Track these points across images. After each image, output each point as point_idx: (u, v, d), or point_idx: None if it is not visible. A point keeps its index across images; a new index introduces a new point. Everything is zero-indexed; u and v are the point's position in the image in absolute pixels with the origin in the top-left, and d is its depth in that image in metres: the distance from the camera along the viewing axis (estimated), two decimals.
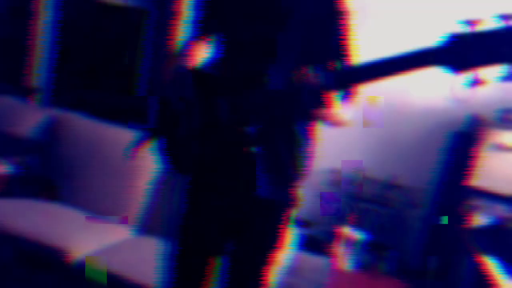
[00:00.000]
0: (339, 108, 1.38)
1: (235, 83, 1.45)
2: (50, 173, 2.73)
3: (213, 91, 1.47)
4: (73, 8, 3.19)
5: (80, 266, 2.18)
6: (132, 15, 3.06)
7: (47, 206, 2.55)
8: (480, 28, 1.03)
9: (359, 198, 2.69)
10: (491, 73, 1.04)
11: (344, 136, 2.69)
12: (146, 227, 2.59)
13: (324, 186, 2.76)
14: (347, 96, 1.41)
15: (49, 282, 2.22)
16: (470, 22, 1.03)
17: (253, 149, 1.43)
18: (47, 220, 2.40)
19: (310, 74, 1.28)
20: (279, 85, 1.34)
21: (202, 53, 1.56)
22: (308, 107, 1.35)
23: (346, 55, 1.45)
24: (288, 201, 1.54)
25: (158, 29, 2.80)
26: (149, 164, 2.62)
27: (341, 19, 1.46)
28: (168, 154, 1.54)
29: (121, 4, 3.03)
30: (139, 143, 1.57)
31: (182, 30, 2.70)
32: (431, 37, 1.14)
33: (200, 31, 1.59)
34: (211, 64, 1.55)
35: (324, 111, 1.37)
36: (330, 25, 1.44)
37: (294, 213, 1.57)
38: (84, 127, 2.83)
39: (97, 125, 2.83)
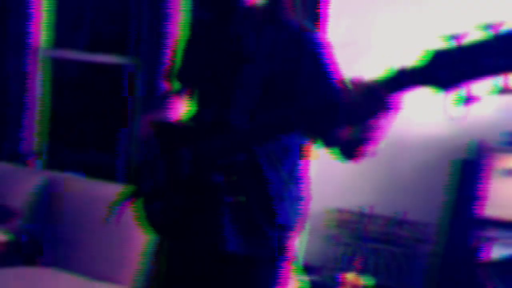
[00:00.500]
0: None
1: (198, 132, 1.38)
2: (45, 238, 2.64)
3: (176, 142, 1.40)
4: (63, 68, 3.19)
5: None
6: (121, 73, 3.06)
7: (42, 272, 2.45)
8: (466, 41, 0.95)
9: (367, 238, 2.57)
10: (484, 88, 0.96)
11: (349, 174, 2.60)
12: None
13: (330, 228, 2.64)
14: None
15: None
16: (456, 37, 0.96)
17: (222, 199, 1.33)
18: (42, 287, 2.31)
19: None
20: (243, 128, 1.27)
21: (181, 107, 1.52)
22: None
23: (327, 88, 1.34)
24: (265, 254, 1.42)
25: (144, 85, 2.79)
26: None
27: (310, 51, 1.35)
28: (142, 213, 1.47)
29: (109, 61, 3.03)
30: (122, 204, 1.50)
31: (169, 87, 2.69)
32: (415, 55, 1.06)
33: (180, 86, 1.56)
34: (187, 117, 1.50)
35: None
36: (296, 61, 1.35)
37: (289, 266, 1.45)
38: (80, 187, 2.77)
39: (93, 184, 2.77)
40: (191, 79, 1.51)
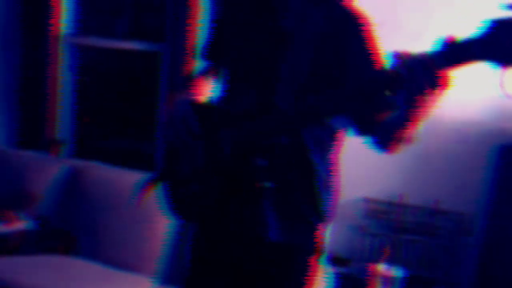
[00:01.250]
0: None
1: (238, 114, 1.30)
2: (68, 226, 2.63)
3: (215, 124, 1.33)
4: (89, 55, 3.17)
5: None
6: (147, 59, 3.02)
7: (65, 261, 2.46)
8: None
9: (399, 229, 2.44)
10: None
11: (376, 161, 2.48)
12: (168, 278, 2.44)
13: (359, 218, 2.53)
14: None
15: None
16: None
17: (264, 185, 1.25)
18: (66, 276, 2.30)
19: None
20: (288, 110, 1.19)
21: (209, 88, 1.44)
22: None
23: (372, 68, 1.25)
24: (307, 244, 1.35)
25: (171, 71, 2.74)
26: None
27: (357, 31, 1.28)
28: (173, 198, 1.39)
29: (135, 48, 2.99)
30: (143, 187, 1.44)
31: (195, 68, 2.62)
32: (469, 26, 0.95)
33: (206, 66, 1.48)
34: (217, 98, 1.41)
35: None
36: (344, 41, 1.27)
37: (320, 257, 1.37)
38: (104, 176, 2.75)
39: (118, 173, 2.74)
40: (224, 58, 1.43)
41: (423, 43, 1.04)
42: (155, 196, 1.47)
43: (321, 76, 1.26)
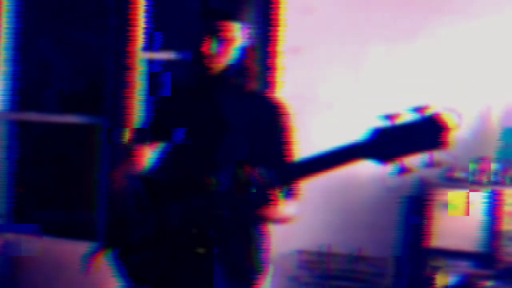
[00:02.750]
0: (284, 204, 1.46)
1: (184, 187, 1.51)
2: None
3: (163, 196, 1.52)
4: (27, 129, 3.22)
5: None
6: (87, 132, 3.12)
7: None
8: (398, 121, 1.14)
9: (329, 276, 2.70)
10: (415, 160, 1.14)
11: (305, 215, 2.73)
12: None
13: (294, 269, 2.76)
14: (290, 192, 1.49)
15: None
16: (389, 117, 1.15)
17: (209, 251, 1.47)
18: None
19: (255, 173, 1.36)
20: (226, 186, 1.41)
21: (147, 158, 1.65)
22: (256, 204, 1.41)
23: (287, 155, 1.55)
24: None
25: (111, 143, 2.86)
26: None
27: (281, 123, 1.59)
28: (123, 264, 1.56)
29: (74, 122, 3.08)
30: (92, 255, 1.59)
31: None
32: (356, 132, 1.25)
33: (146, 138, 1.69)
34: (157, 169, 1.63)
35: (270, 208, 1.44)
36: (271, 130, 1.57)
37: None
38: (45, 247, 2.78)
39: (58, 244, 2.79)
40: (165, 135, 1.64)
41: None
42: (104, 264, 1.61)
43: (255, 155, 1.51)
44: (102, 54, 2.89)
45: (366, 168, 2.61)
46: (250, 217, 1.55)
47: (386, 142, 1.15)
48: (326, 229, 2.76)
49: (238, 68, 1.59)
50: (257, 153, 1.53)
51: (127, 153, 1.71)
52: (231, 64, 1.57)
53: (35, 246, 2.80)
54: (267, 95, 1.67)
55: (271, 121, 1.57)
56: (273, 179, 1.34)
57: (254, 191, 1.34)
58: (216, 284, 1.49)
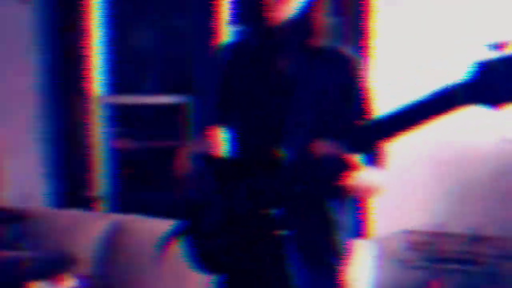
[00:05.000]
0: (365, 174, 1.23)
1: (250, 165, 1.36)
2: (114, 283, 2.68)
3: (229, 177, 1.38)
4: (122, 111, 3.30)
5: None
6: (178, 112, 3.12)
7: None
8: (510, 50, 0.85)
9: (442, 259, 2.40)
10: None
11: (413, 191, 2.47)
12: None
13: (401, 251, 2.50)
14: (372, 158, 1.26)
15: None
16: (498, 45, 0.86)
17: (283, 233, 1.29)
18: None
19: (328, 141, 1.15)
20: (296, 159, 1.24)
21: (219, 140, 1.50)
22: (332, 177, 1.21)
23: (365, 117, 1.33)
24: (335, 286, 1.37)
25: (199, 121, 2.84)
26: None
27: (356, 82, 1.37)
28: (198, 251, 1.44)
29: (167, 102, 3.10)
30: (167, 241, 1.49)
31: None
32: (455, 70, 0.97)
33: (213, 119, 1.55)
34: (227, 150, 1.48)
35: (349, 180, 1.22)
36: (345, 91, 1.36)
37: None
38: (147, 228, 2.80)
39: (160, 224, 2.79)
40: (232, 111, 1.50)
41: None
42: (180, 250, 1.51)
43: (327, 121, 1.32)
44: (191, 37, 2.92)
45: (487, 135, 2.34)
46: (326, 192, 1.34)
47: (496, 79, 0.88)
48: (438, 207, 2.46)
49: (303, 20, 1.35)
50: (330, 118, 1.33)
51: (202, 134, 1.59)
52: (294, 16, 1.34)
53: (138, 226, 2.83)
54: (338, 50, 1.40)
55: (344, 81, 1.35)
56: (349, 146, 1.15)
57: (328, 161, 1.13)
58: (293, 269, 1.31)
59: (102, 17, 3.18)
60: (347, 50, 1.38)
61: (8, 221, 2.32)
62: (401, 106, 1.06)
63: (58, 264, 2.55)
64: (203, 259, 1.45)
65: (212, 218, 1.41)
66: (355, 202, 1.44)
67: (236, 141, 1.46)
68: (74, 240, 2.82)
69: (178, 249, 1.50)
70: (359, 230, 2.11)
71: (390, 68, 2.45)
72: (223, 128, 1.53)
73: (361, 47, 2.41)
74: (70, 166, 3.18)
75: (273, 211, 1.28)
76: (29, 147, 3.14)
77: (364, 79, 1.36)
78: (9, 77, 3.15)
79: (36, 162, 3.16)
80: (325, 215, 1.37)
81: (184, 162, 1.48)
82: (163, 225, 2.71)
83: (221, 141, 1.51)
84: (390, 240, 2.50)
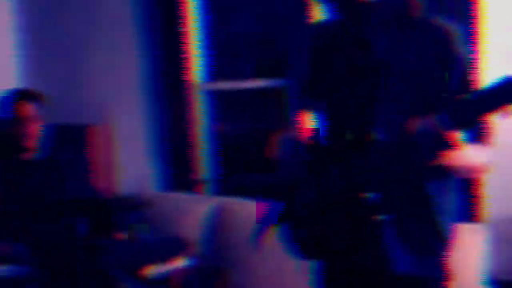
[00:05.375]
0: (467, 151, 1.16)
1: (344, 148, 1.32)
2: (221, 262, 2.79)
3: (324, 160, 1.36)
4: (220, 96, 3.38)
5: None
6: (274, 96, 3.13)
7: None
8: None
9: None
10: None
11: None
12: None
13: None
14: (474, 135, 1.19)
15: None
16: None
17: (380, 217, 1.26)
18: None
19: (426, 119, 1.10)
20: (391, 141, 1.19)
21: (311, 124, 1.49)
22: (431, 156, 1.16)
23: (464, 92, 1.24)
24: (435, 273, 1.32)
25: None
26: None
27: (456, 57, 1.29)
28: (294, 237, 1.44)
29: (263, 86, 3.13)
30: (264, 227, 1.51)
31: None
32: None
33: (303, 103, 1.53)
34: (318, 133, 1.46)
35: (449, 158, 1.16)
36: (442, 66, 1.29)
37: (449, 284, 1.34)
38: (250, 211, 2.87)
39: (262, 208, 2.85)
40: (323, 93, 1.48)
41: None
42: (277, 235, 1.52)
43: (423, 98, 1.25)
44: (286, 23, 2.93)
45: None
46: (425, 173, 1.27)
47: None
48: None
49: None
50: (427, 93, 1.26)
51: (295, 118, 1.59)
52: None
53: (239, 209, 2.91)
54: (434, 22, 1.33)
55: (441, 53, 1.28)
56: (449, 122, 1.10)
57: (426, 140, 1.08)
58: (392, 254, 1.28)
59: (199, 4, 3.24)
60: (443, 21, 1.30)
61: (124, 208, 2.48)
62: (506, 77, 0.99)
63: (170, 246, 2.69)
64: (299, 244, 1.45)
65: (306, 203, 1.40)
66: (460, 183, 1.37)
67: (328, 124, 1.44)
68: (182, 223, 2.97)
69: (275, 234, 1.51)
70: (469, 214, 2.00)
71: (499, 40, 2.28)
72: (315, 111, 1.52)
73: (468, 20, 2.26)
74: (175, 151, 3.32)
75: (369, 195, 1.26)
76: (137, 135, 3.32)
77: (463, 51, 1.29)
78: (116, 69, 3.33)
79: (145, 149, 3.33)
80: (424, 198, 1.31)
81: (277, 146, 1.48)
82: (263, 208, 2.80)
83: (313, 124, 1.50)
84: (506, 224, 2.36)
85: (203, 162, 3.33)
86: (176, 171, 3.34)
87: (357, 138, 1.30)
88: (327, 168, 1.35)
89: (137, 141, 3.32)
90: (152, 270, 2.51)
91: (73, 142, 3.10)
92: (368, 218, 1.29)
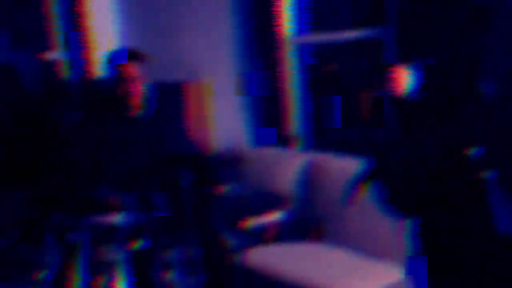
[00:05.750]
0: None
1: (442, 107, 1.27)
2: (315, 215, 2.82)
3: (423, 116, 1.31)
4: (313, 50, 3.33)
5: None
6: (371, 46, 3.03)
7: (318, 249, 2.64)
8: None
9: None
10: None
11: None
12: (415, 268, 2.44)
13: None
14: None
15: None
16: None
17: (484, 175, 1.20)
18: (320, 263, 2.49)
19: None
20: (499, 93, 1.12)
21: (405, 80, 1.43)
22: None
23: None
24: None
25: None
26: None
27: None
28: (390, 195, 1.42)
29: (359, 36, 3.03)
30: (354, 186, 1.49)
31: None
32: None
33: (400, 58, 1.47)
34: (414, 91, 1.39)
35: None
36: None
37: None
38: (342, 165, 2.86)
39: (354, 162, 2.83)
40: (420, 48, 1.41)
41: None
42: (366, 195, 1.49)
43: None
44: None
45: None
46: None
47: None
48: None
49: None
50: None
51: (391, 72, 1.53)
52: None
53: (332, 164, 2.90)
54: None
55: None
56: None
57: None
58: (496, 213, 1.23)
59: None
60: None
61: (222, 162, 2.55)
62: None
63: (265, 200, 2.76)
64: (395, 202, 1.42)
65: (404, 159, 1.36)
66: None
67: (429, 77, 1.38)
68: (276, 177, 3.02)
69: (369, 190, 1.49)
70: None
71: None
72: (415, 64, 1.45)
73: None
74: (268, 106, 3.35)
75: (473, 151, 1.20)
76: (231, 91, 3.37)
77: None
78: (209, 26, 3.37)
79: (239, 105, 3.38)
80: None
81: (373, 101, 1.44)
82: (356, 164, 2.77)
83: (411, 78, 1.43)
84: None
85: (296, 117, 3.33)
86: (269, 126, 3.37)
87: (462, 91, 1.24)
88: (427, 124, 1.31)
89: (231, 98, 3.37)
90: (248, 223, 2.60)
91: (170, 100, 3.22)
92: (472, 175, 1.24)
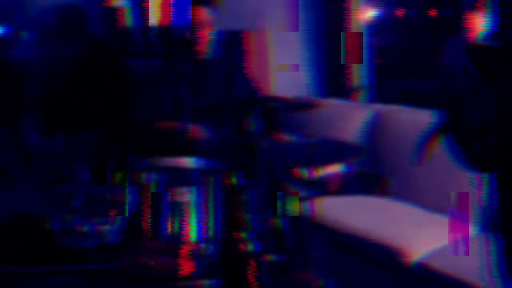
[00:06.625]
0: None
1: None
2: (380, 169, 2.77)
3: (498, 65, 1.21)
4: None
5: (419, 267, 2.13)
6: None
7: (382, 202, 2.62)
8: None
9: None
10: None
11: None
12: (486, 224, 2.37)
13: None
14: None
15: (387, 282, 2.24)
16: None
17: None
18: (385, 216, 2.46)
19: None
20: None
21: (479, 24, 1.32)
22: None
23: None
24: None
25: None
26: None
27: None
28: (466, 151, 1.34)
29: None
30: (426, 142, 1.42)
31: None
32: None
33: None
34: (489, 35, 1.28)
35: None
36: None
37: None
38: (408, 118, 2.79)
39: (421, 115, 2.74)
40: None
41: None
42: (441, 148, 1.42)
43: None
44: None
45: None
46: None
47: None
48: None
49: None
50: None
51: (465, 18, 1.41)
52: None
53: (399, 117, 2.83)
54: None
55: None
56: None
57: None
58: None
59: None
60: None
61: (289, 108, 2.52)
62: None
63: (330, 151, 2.71)
64: (470, 158, 1.35)
65: (481, 113, 1.29)
66: None
67: (502, 23, 1.27)
68: (341, 128, 2.97)
69: (441, 145, 1.42)
70: None
71: None
72: (490, 9, 1.34)
73: None
74: (331, 57, 3.28)
75: None
76: (294, 41, 3.31)
77: None
78: None
79: (299, 54, 3.32)
80: None
81: (444, 50, 1.34)
82: (425, 116, 2.68)
83: (488, 24, 1.33)
84: None
85: (359, 68, 3.25)
86: (333, 77, 3.31)
87: None
88: (505, 75, 1.22)
89: (294, 47, 3.31)
90: (312, 173, 2.57)
91: (234, 48, 3.19)
92: None
